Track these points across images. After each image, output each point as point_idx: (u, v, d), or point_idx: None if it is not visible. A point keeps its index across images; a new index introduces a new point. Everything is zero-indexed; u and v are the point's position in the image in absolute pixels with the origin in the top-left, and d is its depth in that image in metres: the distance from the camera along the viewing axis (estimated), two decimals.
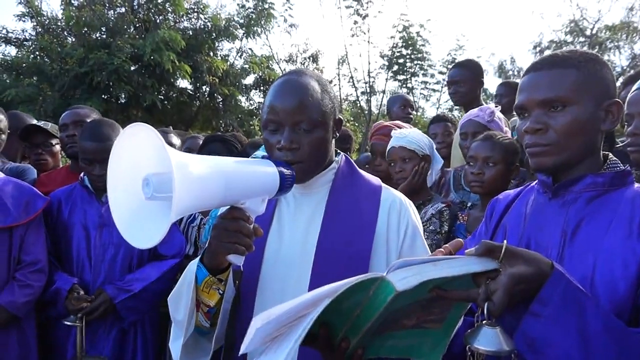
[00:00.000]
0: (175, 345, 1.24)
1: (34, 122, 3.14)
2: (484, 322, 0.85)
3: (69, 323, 2.01)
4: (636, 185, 1.12)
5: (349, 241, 1.26)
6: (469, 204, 2.40)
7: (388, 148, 2.39)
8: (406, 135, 2.32)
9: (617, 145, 2.47)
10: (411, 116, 3.97)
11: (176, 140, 3.20)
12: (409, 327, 1.00)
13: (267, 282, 1.26)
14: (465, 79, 3.33)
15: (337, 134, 1.35)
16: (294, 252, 1.27)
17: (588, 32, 17.60)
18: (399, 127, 2.56)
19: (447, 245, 1.04)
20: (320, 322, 0.92)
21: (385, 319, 0.92)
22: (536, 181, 1.23)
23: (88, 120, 2.69)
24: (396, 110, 4.00)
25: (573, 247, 1.07)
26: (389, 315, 0.91)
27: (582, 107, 1.08)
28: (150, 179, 0.89)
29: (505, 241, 0.87)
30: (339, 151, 1.42)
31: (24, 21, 11.16)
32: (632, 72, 2.62)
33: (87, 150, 2.13)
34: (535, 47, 18.67)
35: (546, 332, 0.86)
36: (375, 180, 1.41)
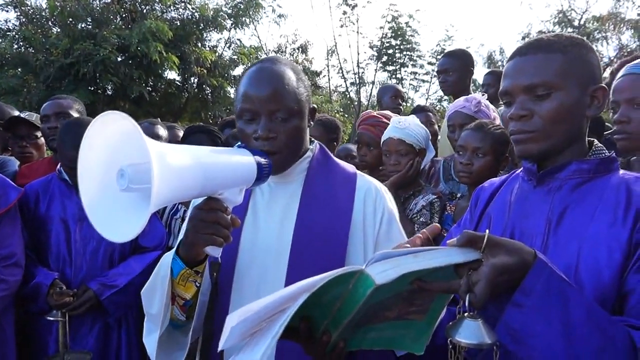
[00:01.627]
0: (150, 339, 1.22)
1: (16, 113, 3.07)
2: (465, 314, 0.83)
3: (52, 318, 1.98)
4: (621, 171, 1.10)
5: (326, 229, 1.25)
6: (459, 195, 2.38)
7: (385, 137, 2.33)
8: (406, 127, 2.27)
9: (606, 132, 2.46)
10: (401, 107, 3.95)
11: (163, 132, 3.14)
12: (391, 319, 0.98)
13: (244, 272, 1.25)
14: (454, 68, 3.32)
15: (312, 123, 1.34)
16: (270, 242, 1.26)
17: (576, 23, 17.69)
18: (387, 117, 2.52)
19: (424, 230, 1.02)
20: (300, 315, 0.91)
21: (366, 311, 0.90)
22: (521, 169, 1.21)
23: (70, 112, 2.63)
24: (387, 100, 3.98)
25: (558, 235, 1.06)
26: (370, 308, 0.89)
27: (567, 92, 1.06)
28: (125, 170, 0.85)
29: (487, 231, 0.85)
30: (313, 139, 1.41)
31: (7, 11, 11.01)
32: (618, 62, 2.60)
33: (69, 158, 2.09)
34: (523, 38, 18.73)
35: (529, 323, 0.84)
36: (350, 167, 1.40)
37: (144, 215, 0.82)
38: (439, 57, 16.91)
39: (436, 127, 3.29)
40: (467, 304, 0.82)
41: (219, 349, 0.81)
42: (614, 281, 0.98)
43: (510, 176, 1.28)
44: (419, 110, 3.47)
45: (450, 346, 0.87)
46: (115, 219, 0.89)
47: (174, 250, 1.15)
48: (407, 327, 1.02)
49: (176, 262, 1.13)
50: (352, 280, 0.83)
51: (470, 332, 0.81)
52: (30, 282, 2.04)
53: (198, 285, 1.15)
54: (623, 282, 0.97)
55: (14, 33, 11.01)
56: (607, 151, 1.13)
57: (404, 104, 4.00)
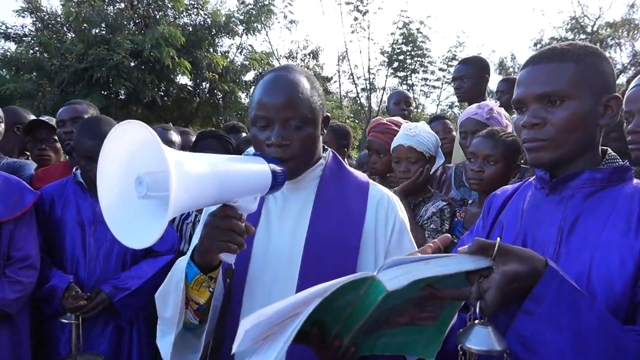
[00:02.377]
0: (164, 342, 1.24)
1: (32, 117, 3.13)
2: (476, 321, 0.84)
3: (65, 321, 2.01)
4: (635, 181, 1.10)
5: (338, 237, 1.26)
6: (470, 201, 2.38)
7: (395, 144, 2.34)
8: (417, 135, 2.28)
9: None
10: (406, 112, 3.95)
11: (176, 137, 3.17)
12: (402, 324, 0.99)
13: (256, 278, 1.26)
14: (469, 75, 3.33)
15: (325, 131, 1.35)
16: (282, 249, 1.27)
17: (589, 29, 17.56)
18: (396, 124, 2.53)
19: (435, 240, 1.02)
20: (312, 320, 0.91)
21: (377, 317, 0.91)
22: (534, 177, 1.21)
23: (85, 117, 2.67)
24: (392, 106, 4.05)
25: (570, 243, 1.06)
26: (381, 314, 0.90)
27: (580, 101, 1.06)
28: (143, 178, 0.87)
29: (498, 239, 0.85)
30: (326, 147, 1.42)
31: (23, 17, 11.16)
32: (634, 70, 2.59)
33: (86, 148, 2.11)
34: (535, 44, 18.63)
35: (539, 331, 0.84)
36: (362, 176, 1.41)
37: (162, 223, 0.84)
38: (450, 63, 16.93)
39: (454, 133, 3.30)
40: (477, 311, 0.82)
41: (233, 351, 0.82)
42: (626, 290, 0.97)
43: (523, 184, 1.29)
44: (436, 119, 3.49)
45: (461, 352, 0.87)
46: (133, 225, 0.90)
47: (188, 255, 1.17)
48: (418, 333, 1.02)
49: (191, 268, 1.14)
50: (363, 286, 0.84)
51: (481, 339, 0.82)
52: (45, 284, 2.07)
53: (212, 290, 1.16)
54: (635, 291, 0.97)
55: (30, 38, 11.19)
56: (620, 160, 1.13)
57: (412, 109, 3.99)
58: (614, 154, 1.14)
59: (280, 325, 0.83)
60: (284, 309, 0.79)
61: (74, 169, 2.30)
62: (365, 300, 0.86)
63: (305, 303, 0.79)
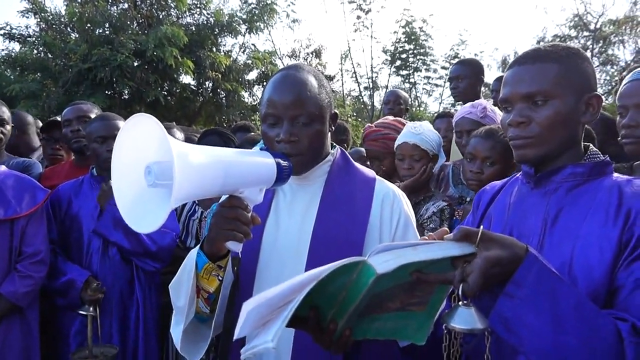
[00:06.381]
0: (176, 330, 1.29)
1: (30, 119, 3.28)
2: (460, 302, 0.90)
3: (83, 312, 2.08)
4: (615, 175, 1.16)
5: (344, 231, 1.30)
6: (468, 199, 2.42)
7: (400, 141, 2.37)
8: (420, 133, 2.31)
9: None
10: (395, 110, 4.02)
11: (179, 136, 3.25)
12: (393, 309, 1.04)
13: (265, 270, 1.31)
14: (465, 75, 3.40)
15: (333, 128, 1.40)
16: (290, 241, 1.32)
17: (592, 27, 17.49)
18: (387, 127, 2.54)
19: (431, 234, 1.06)
20: (309, 305, 0.97)
21: (369, 301, 0.96)
22: (520, 172, 1.27)
23: (91, 115, 2.76)
24: (383, 107, 4.22)
25: (553, 234, 1.12)
26: (373, 298, 0.96)
27: (563, 100, 1.12)
28: (152, 167, 0.94)
29: (481, 227, 0.91)
30: (334, 144, 1.46)
31: (27, 17, 11.20)
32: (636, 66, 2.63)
33: (98, 129, 2.25)
34: (538, 42, 18.55)
35: (520, 312, 0.90)
36: (369, 172, 1.45)
37: (166, 209, 0.90)
38: (452, 61, 16.93)
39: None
40: (460, 293, 0.88)
41: (236, 336, 0.86)
42: (604, 279, 1.03)
43: (510, 179, 1.35)
44: (442, 116, 3.54)
45: (446, 332, 0.93)
46: (142, 212, 0.96)
47: (199, 245, 1.22)
48: (409, 318, 1.08)
49: (200, 257, 1.20)
50: (355, 270, 0.90)
51: (463, 319, 0.88)
52: (60, 278, 2.15)
53: (220, 279, 1.21)
54: (613, 278, 1.03)
55: (34, 39, 11.23)
56: (601, 155, 1.19)
57: (402, 107, 4.05)
58: (595, 149, 1.20)
59: (278, 310, 0.88)
60: (282, 292, 0.84)
61: (90, 168, 2.38)
62: (357, 284, 0.91)
63: (301, 288, 0.85)
